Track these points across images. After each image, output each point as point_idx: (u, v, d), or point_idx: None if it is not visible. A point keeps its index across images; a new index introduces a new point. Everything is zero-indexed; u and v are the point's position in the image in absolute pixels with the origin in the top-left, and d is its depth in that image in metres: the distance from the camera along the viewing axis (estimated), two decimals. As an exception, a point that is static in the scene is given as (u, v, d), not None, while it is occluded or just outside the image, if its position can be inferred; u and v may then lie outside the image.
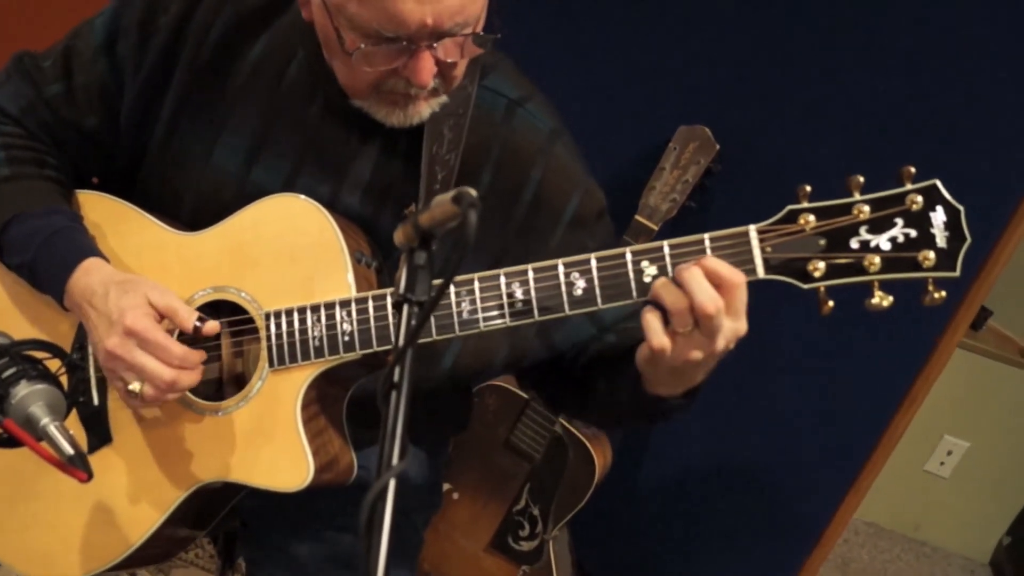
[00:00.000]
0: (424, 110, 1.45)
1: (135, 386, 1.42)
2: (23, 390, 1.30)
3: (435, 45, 1.33)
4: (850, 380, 2.52)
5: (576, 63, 2.54)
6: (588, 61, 2.54)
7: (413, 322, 1.01)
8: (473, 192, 0.92)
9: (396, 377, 0.97)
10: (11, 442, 1.33)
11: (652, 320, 1.26)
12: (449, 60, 1.37)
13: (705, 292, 1.21)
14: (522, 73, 1.62)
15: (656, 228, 2.28)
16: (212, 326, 1.46)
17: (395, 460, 0.93)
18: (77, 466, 1.25)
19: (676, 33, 2.44)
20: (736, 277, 1.23)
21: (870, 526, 3.86)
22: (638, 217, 2.30)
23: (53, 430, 1.27)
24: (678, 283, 1.24)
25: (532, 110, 1.57)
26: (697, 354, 1.26)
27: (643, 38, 2.47)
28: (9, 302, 1.67)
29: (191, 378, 1.45)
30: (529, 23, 2.49)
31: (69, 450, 1.25)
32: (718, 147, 2.27)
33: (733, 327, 1.25)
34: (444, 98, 1.46)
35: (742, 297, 1.24)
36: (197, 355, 1.46)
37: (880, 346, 2.44)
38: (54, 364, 1.42)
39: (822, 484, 2.64)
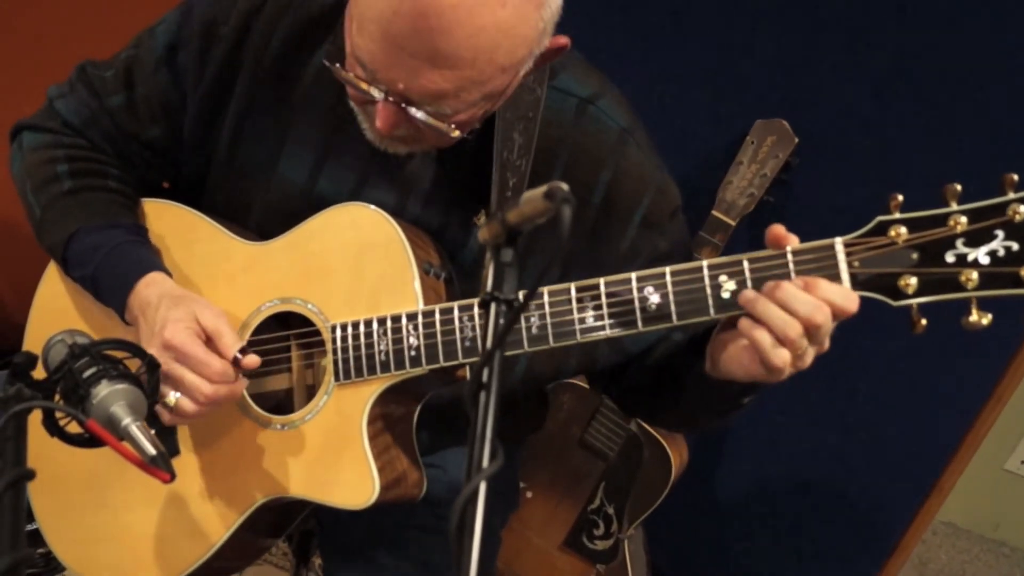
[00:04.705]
0: (401, 150, 1.42)
1: (171, 398, 1.40)
2: (104, 390, 1.26)
3: (403, 106, 1.28)
4: (934, 378, 2.47)
5: (652, 57, 2.51)
6: (665, 55, 2.51)
7: (502, 321, 0.98)
8: (565, 186, 0.89)
9: (484, 378, 0.95)
10: (92, 442, 1.32)
11: (765, 336, 1.20)
12: (420, 123, 1.31)
13: (809, 304, 1.17)
14: (593, 68, 1.57)
15: (733, 224, 2.25)
16: (252, 360, 1.43)
17: (485, 463, 0.91)
18: (160, 467, 1.23)
19: (753, 25, 2.40)
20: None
21: (948, 526, 3.78)
22: (715, 212, 2.27)
23: (135, 430, 1.24)
24: (776, 302, 1.19)
25: (604, 107, 1.51)
26: (808, 362, 1.23)
27: (720, 31, 2.44)
28: (76, 313, 1.68)
29: (232, 391, 1.43)
30: (604, 18, 2.49)
31: (152, 450, 1.23)
32: (797, 140, 2.23)
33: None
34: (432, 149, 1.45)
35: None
36: (243, 368, 1.43)
37: (966, 345, 2.38)
38: (133, 365, 1.41)
39: (903, 485, 2.59)
